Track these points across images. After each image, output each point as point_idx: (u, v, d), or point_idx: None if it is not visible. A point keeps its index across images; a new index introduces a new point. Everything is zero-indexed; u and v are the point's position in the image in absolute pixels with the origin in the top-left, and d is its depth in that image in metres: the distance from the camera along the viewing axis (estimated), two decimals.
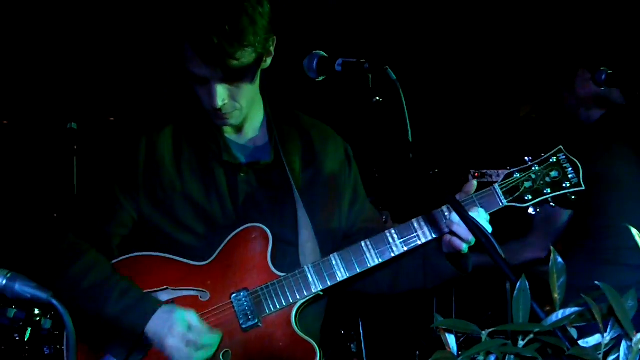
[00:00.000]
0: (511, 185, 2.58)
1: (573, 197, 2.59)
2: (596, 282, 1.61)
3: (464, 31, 4.43)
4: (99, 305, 2.54)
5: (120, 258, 2.66)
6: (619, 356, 1.60)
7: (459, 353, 1.63)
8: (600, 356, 1.61)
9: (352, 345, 5.11)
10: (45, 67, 5.28)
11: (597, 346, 1.64)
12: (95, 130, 4.90)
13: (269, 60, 2.65)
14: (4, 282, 1.85)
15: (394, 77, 2.29)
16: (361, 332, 4.84)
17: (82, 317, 2.51)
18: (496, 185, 2.59)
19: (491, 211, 2.57)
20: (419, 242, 2.61)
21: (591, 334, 1.68)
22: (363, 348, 4.85)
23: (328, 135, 2.88)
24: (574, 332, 1.68)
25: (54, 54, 5.28)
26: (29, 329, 4.31)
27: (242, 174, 2.71)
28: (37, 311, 4.32)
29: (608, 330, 1.63)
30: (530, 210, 2.59)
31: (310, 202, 2.74)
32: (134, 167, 2.66)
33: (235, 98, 2.60)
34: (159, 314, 2.52)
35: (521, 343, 1.61)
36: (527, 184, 2.58)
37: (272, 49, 2.62)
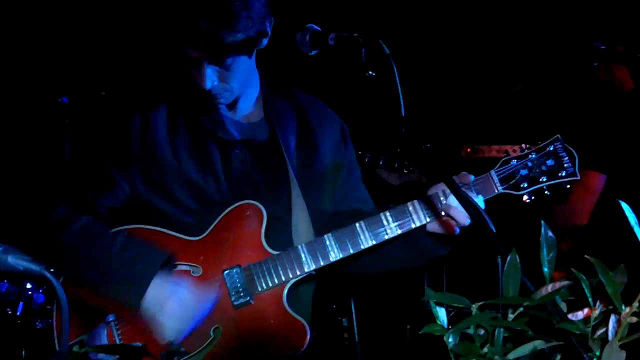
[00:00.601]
0: (507, 172, 2.59)
1: (568, 187, 2.60)
2: (586, 257, 1.62)
3: (458, 6, 4.42)
4: (102, 260, 2.56)
5: (114, 230, 2.65)
6: (607, 330, 1.61)
7: (449, 327, 1.64)
8: (589, 330, 1.63)
9: (343, 320, 5.13)
10: (37, 41, 5.24)
11: (586, 320, 1.65)
12: (86, 105, 4.88)
13: (265, 41, 2.64)
14: None
15: (387, 51, 2.29)
16: (352, 307, 4.86)
17: (80, 277, 2.53)
18: (492, 172, 2.60)
19: (486, 197, 2.58)
20: (413, 226, 2.61)
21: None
22: (354, 322, 4.87)
23: (325, 114, 2.88)
24: (563, 306, 1.69)
25: (45, 27, 5.24)
26: (21, 303, 4.31)
27: (237, 151, 2.71)
28: (29, 285, 4.32)
29: (597, 304, 1.65)
30: (525, 198, 2.59)
31: (305, 181, 2.74)
32: (127, 143, 2.67)
33: (226, 80, 2.60)
34: (157, 281, 2.52)
35: (511, 316, 1.63)
36: (523, 172, 2.59)
37: (268, 30, 2.62)
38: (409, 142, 2.11)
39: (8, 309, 4.34)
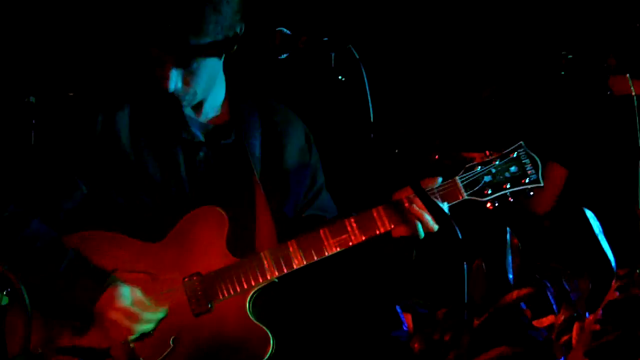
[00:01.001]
0: (471, 178, 2.60)
1: (531, 194, 2.62)
2: (552, 265, 1.64)
3: (429, 11, 4.44)
4: (46, 275, 2.49)
5: (69, 235, 2.59)
6: (571, 337, 1.63)
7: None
8: (554, 336, 1.64)
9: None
10: (5, 39, 5.18)
11: (550, 327, 1.66)
12: (54, 105, 4.82)
13: (234, 46, 2.59)
14: None
15: (357, 56, 2.28)
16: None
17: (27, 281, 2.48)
18: (457, 178, 2.59)
19: (451, 204, 2.58)
20: (377, 232, 2.59)
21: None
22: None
23: (290, 119, 2.84)
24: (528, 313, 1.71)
25: (14, 25, 5.18)
26: None
27: (201, 153, 2.67)
28: None
29: (561, 310, 1.66)
30: (489, 205, 2.61)
31: (269, 185, 2.69)
32: (88, 142, 2.61)
33: (190, 83, 2.55)
34: (109, 289, 2.48)
35: (477, 322, 1.63)
36: (487, 178, 2.60)
37: (238, 35, 2.55)
38: (378, 147, 2.11)
39: None
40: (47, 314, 2.52)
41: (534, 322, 1.68)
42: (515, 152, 2.61)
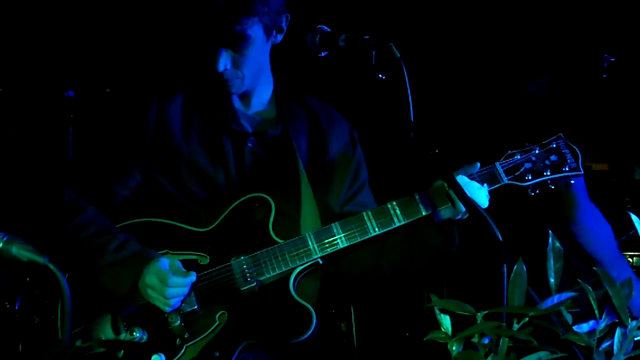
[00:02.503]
0: (512, 164, 2.63)
1: (572, 182, 2.63)
2: (594, 268, 1.61)
3: (470, 10, 4.41)
4: (96, 257, 2.57)
5: (122, 224, 2.68)
6: (613, 343, 1.60)
7: (454, 334, 1.63)
8: (594, 342, 1.61)
9: (342, 325, 5.12)
10: (44, 35, 5.25)
11: (592, 332, 1.64)
12: (92, 100, 4.88)
13: (279, 37, 2.68)
14: (0, 245, 1.84)
15: (398, 54, 2.27)
16: (352, 312, 4.85)
17: (77, 272, 2.57)
18: (497, 164, 2.64)
19: (492, 188, 2.59)
20: (419, 214, 2.60)
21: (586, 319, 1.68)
22: (353, 327, 4.86)
23: (334, 117, 2.92)
24: (569, 317, 1.68)
25: (53, 22, 5.24)
26: (19, 296, 4.30)
27: (249, 144, 2.75)
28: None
29: (603, 316, 1.64)
30: (530, 192, 2.62)
31: (314, 177, 2.76)
32: (143, 131, 2.71)
33: (239, 66, 2.63)
34: (145, 269, 2.54)
35: (516, 326, 1.61)
36: (528, 165, 2.64)
37: (284, 25, 2.66)
38: (417, 146, 2.10)
39: (6, 303, 4.32)
40: (92, 300, 2.58)
41: (575, 327, 1.65)
42: (555, 143, 2.66)
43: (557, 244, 1.70)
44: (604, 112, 3.95)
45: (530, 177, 2.61)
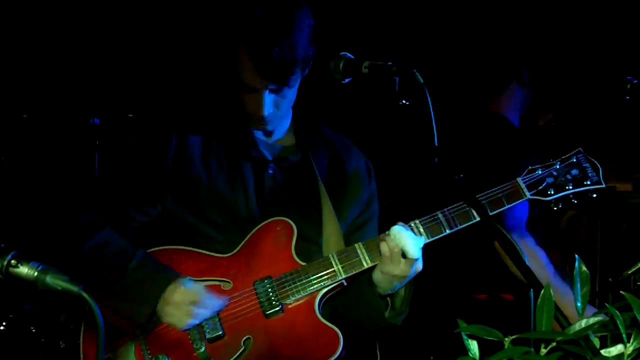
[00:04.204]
0: (534, 179, 2.64)
1: (594, 195, 2.64)
2: (621, 292, 1.61)
3: (490, 34, 4.43)
4: (116, 276, 2.57)
5: (148, 250, 2.67)
6: None
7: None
8: None
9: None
10: (72, 64, 5.31)
11: (620, 356, 1.63)
12: (116, 126, 4.93)
13: (307, 70, 2.69)
14: (35, 274, 1.86)
15: (422, 80, 2.29)
16: (377, 351, 4.83)
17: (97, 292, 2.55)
18: (519, 179, 2.64)
19: (515, 204, 2.60)
20: (442, 231, 2.58)
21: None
22: (377, 350, 4.84)
23: (351, 147, 2.93)
24: (596, 342, 1.67)
25: (78, 50, 5.31)
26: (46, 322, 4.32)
27: (270, 171, 2.76)
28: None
29: (631, 340, 1.63)
30: (553, 206, 2.63)
31: (336, 198, 2.77)
32: (163, 161, 2.72)
33: (279, 107, 2.67)
34: (170, 286, 2.54)
35: (544, 351, 1.61)
36: (549, 180, 2.65)
37: (311, 60, 2.68)
38: (442, 172, 2.11)
39: (32, 328, 4.34)
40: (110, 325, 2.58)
41: (603, 351, 1.65)
42: (575, 157, 2.68)
43: (584, 268, 1.70)
44: (627, 133, 3.94)
45: (552, 192, 2.62)
